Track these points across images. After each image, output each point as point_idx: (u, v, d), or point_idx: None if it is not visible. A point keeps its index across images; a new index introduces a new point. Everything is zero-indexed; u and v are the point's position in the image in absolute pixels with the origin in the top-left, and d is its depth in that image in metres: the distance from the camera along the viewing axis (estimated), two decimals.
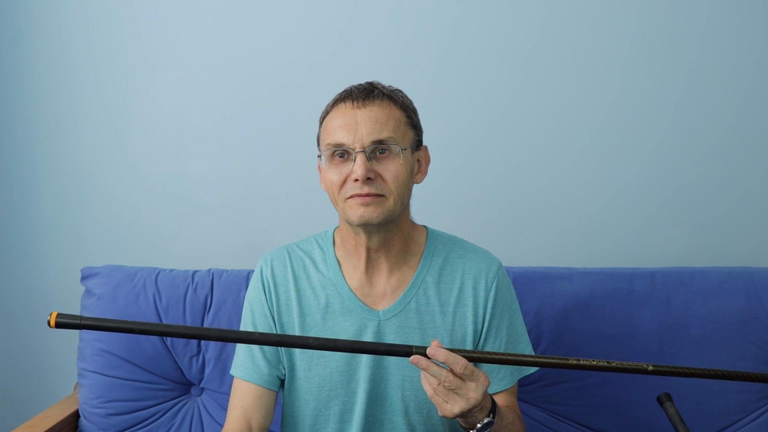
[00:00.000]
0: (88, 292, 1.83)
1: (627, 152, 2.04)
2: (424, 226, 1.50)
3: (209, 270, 1.84)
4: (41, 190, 2.12)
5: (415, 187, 1.43)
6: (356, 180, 1.32)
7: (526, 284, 1.77)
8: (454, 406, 1.19)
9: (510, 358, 1.22)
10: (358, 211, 1.33)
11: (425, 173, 1.44)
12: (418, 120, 1.42)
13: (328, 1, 2.03)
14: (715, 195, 2.04)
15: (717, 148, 2.03)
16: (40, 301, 2.15)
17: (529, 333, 1.71)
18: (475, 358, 1.21)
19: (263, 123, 2.07)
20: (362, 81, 1.41)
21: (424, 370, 1.19)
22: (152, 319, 1.76)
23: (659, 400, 1.27)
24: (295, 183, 2.06)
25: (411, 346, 1.19)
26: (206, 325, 1.76)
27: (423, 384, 1.21)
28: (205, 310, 1.78)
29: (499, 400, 1.40)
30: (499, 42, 2.02)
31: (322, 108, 1.43)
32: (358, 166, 1.31)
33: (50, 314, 1.11)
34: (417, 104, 1.44)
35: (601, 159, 2.04)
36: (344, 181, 1.34)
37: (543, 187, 2.05)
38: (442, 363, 1.19)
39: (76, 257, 2.08)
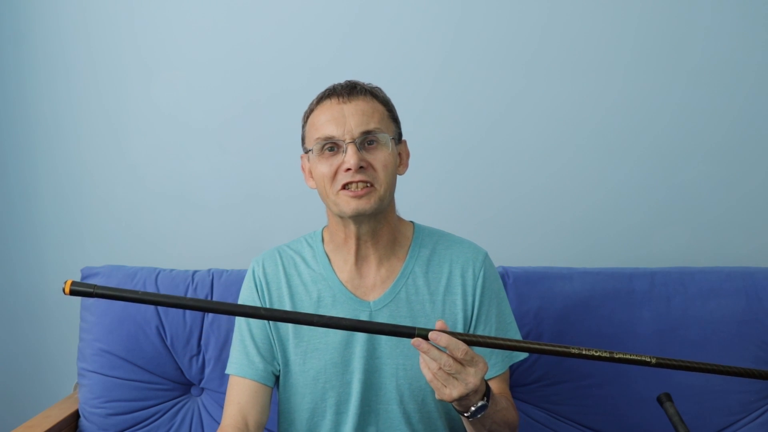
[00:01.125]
0: None
1: (627, 152, 2.04)
2: (411, 221, 1.52)
3: (209, 270, 1.84)
4: (41, 191, 2.12)
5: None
6: (347, 170, 1.34)
7: (526, 284, 1.77)
8: (453, 391, 1.19)
9: (511, 343, 1.21)
10: (351, 204, 1.35)
11: (407, 166, 1.47)
12: (397, 115, 1.46)
13: (329, 5, 2.03)
14: (715, 195, 2.04)
15: (717, 148, 2.03)
16: (40, 301, 2.15)
17: (529, 333, 1.72)
18: (478, 342, 1.19)
19: (263, 125, 2.07)
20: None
21: (424, 353, 1.19)
22: (153, 318, 1.77)
23: (659, 400, 1.27)
24: (295, 184, 2.04)
25: (414, 328, 1.19)
26: (206, 324, 1.77)
27: (422, 368, 1.20)
28: None
29: (492, 386, 1.39)
30: (500, 43, 2.02)
31: None
32: (350, 156, 1.34)
33: (65, 282, 1.13)
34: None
35: (601, 159, 2.04)
36: (335, 173, 1.36)
37: (543, 187, 2.05)
38: (443, 347, 1.18)
39: (76, 257, 2.08)
